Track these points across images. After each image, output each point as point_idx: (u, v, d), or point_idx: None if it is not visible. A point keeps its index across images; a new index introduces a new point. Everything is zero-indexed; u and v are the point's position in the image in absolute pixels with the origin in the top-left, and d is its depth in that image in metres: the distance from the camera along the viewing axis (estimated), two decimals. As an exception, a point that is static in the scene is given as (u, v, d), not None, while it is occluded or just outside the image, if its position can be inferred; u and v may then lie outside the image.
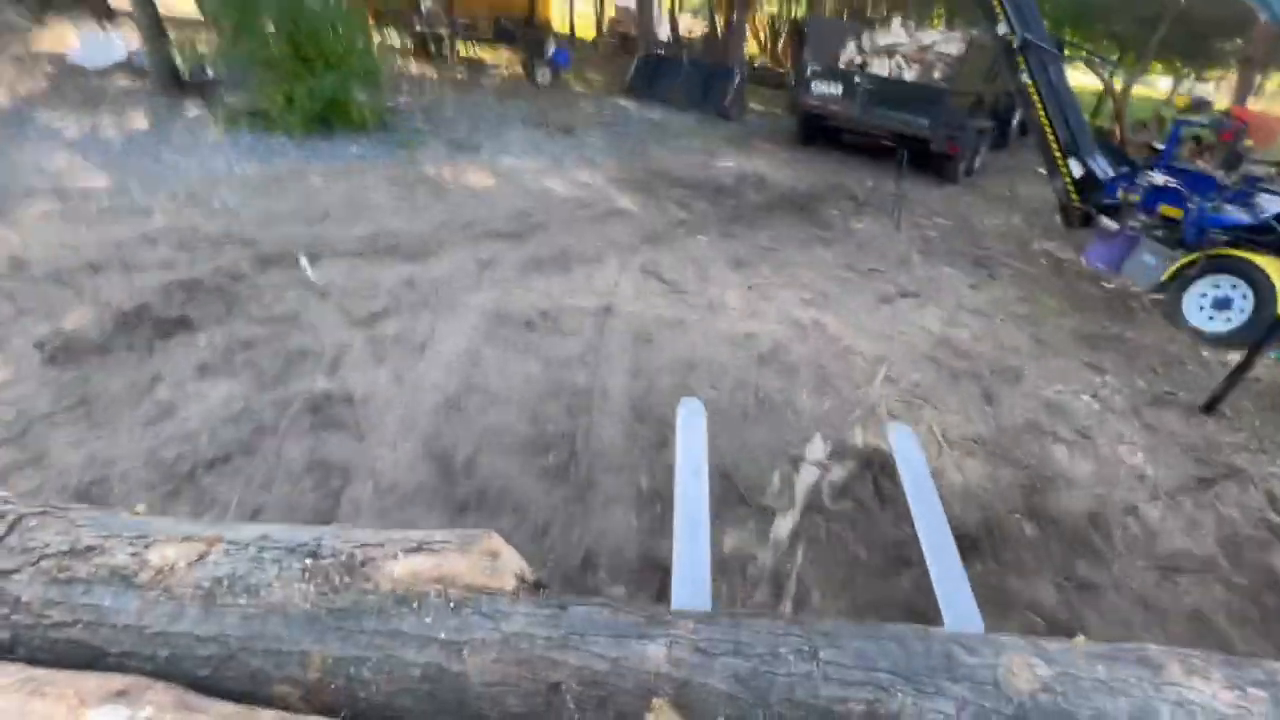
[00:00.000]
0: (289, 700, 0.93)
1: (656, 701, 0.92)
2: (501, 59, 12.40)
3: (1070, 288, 5.33)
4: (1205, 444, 3.24)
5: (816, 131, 8.90)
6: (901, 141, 7.98)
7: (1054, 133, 5.43)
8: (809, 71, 8.12)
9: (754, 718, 0.92)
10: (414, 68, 10.17)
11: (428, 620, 0.96)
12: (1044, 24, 5.71)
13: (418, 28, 10.45)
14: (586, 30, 20.21)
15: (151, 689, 0.85)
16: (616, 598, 1.73)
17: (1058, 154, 5.67)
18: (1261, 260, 4.08)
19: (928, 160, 8.00)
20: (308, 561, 1.00)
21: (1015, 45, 5.54)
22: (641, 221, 5.26)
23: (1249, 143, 5.03)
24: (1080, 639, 1.02)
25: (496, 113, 8.49)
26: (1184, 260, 4.41)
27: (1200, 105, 10.30)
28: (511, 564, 1.05)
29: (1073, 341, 4.12)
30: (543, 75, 10.28)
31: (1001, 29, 5.56)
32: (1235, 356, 4.39)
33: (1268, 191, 4.36)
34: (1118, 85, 11.28)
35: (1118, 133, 9.84)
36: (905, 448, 1.77)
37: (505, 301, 3.55)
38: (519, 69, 11.38)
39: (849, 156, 9.32)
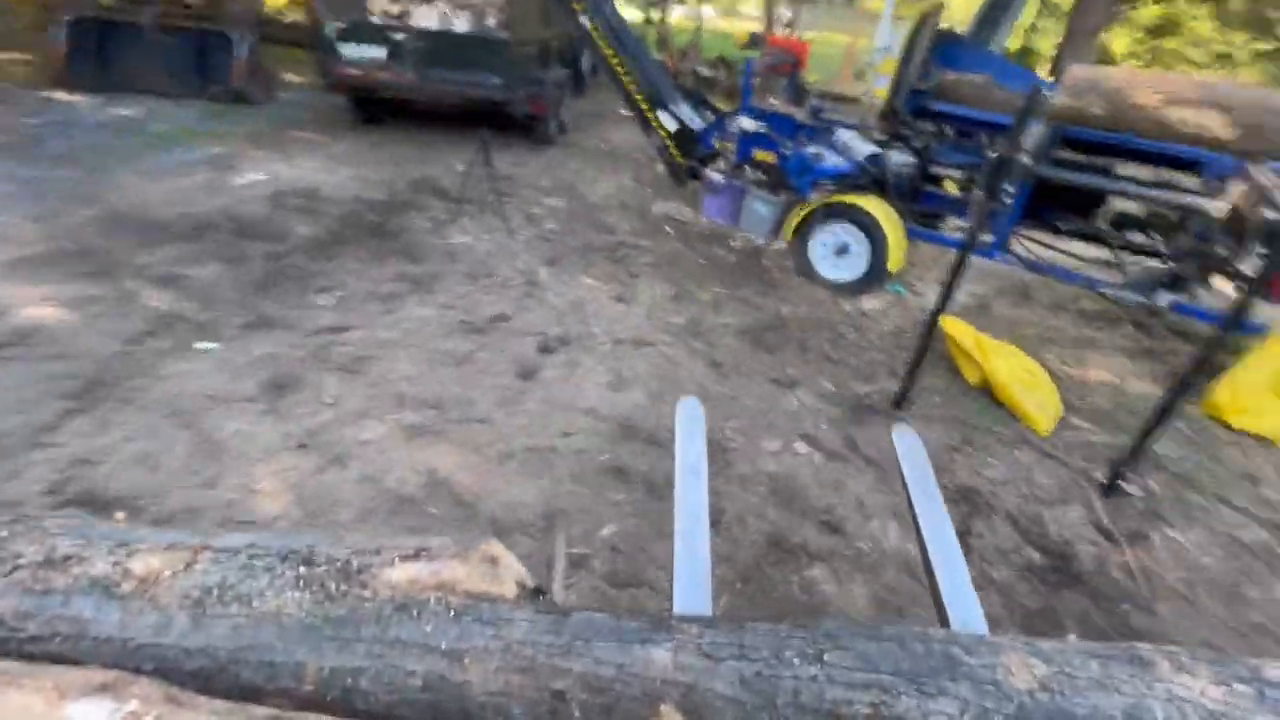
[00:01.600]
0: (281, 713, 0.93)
1: (664, 708, 0.92)
2: None
3: (709, 260, 4.97)
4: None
5: (376, 106, 6.67)
6: (477, 108, 6.23)
7: (635, 84, 4.28)
8: (331, 31, 5.76)
9: None
10: None
11: (428, 628, 0.95)
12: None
13: None
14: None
15: (136, 684, 0.83)
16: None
17: (647, 109, 4.59)
18: (866, 203, 3.56)
19: (511, 124, 6.48)
20: (302, 569, 0.99)
21: (563, -17, 4.22)
22: (63, 352, 2.67)
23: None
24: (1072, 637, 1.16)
25: None
26: (802, 212, 4.32)
27: (758, 41, 10.99)
28: (512, 570, 1.05)
29: (746, 349, 3.72)
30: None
31: (542, -36, 4.17)
32: (873, 303, 4.26)
33: (843, 126, 3.87)
34: (659, 17, 11.43)
35: (670, 65, 9.76)
36: (908, 447, 1.66)
37: None
38: None
39: (428, 130, 7.28)
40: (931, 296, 4.41)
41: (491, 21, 7.15)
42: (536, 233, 5.09)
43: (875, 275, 4.12)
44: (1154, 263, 4.02)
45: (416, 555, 1.01)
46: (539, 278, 4.28)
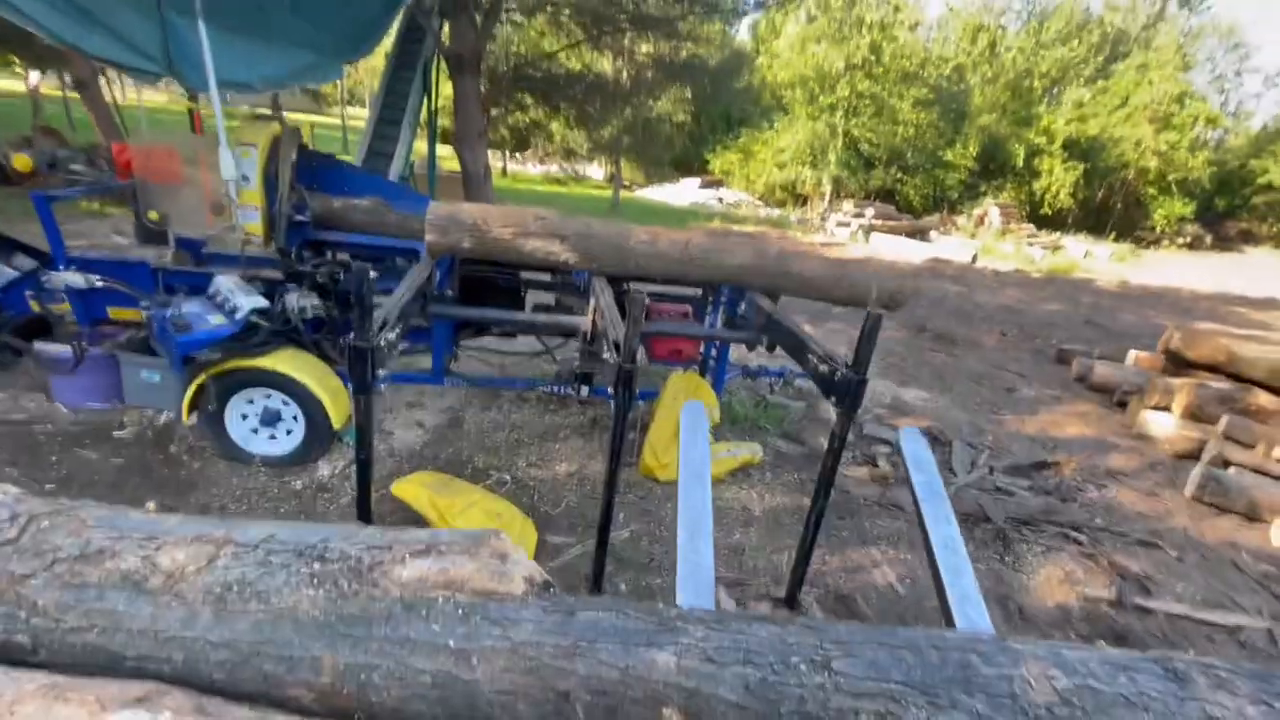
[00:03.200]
0: (302, 703, 0.99)
1: (666, 711, 0.94)
2: None
3: (70, 477, 3.31)
4: None
5: None
6: None
7: None
8: None
9: None
10: None
11: (437, 628, 0.98)
12: None
13: None
14: None
15: (169, 695, 0.90)
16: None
17: None
18: (273, 362, 2.80)
19: None
20: (316, 566, 1.03)
21: None
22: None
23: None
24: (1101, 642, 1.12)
25: None
26: (193, 388, 3.29)
27: (55, 159, 7.90)
28: (520, 566, 1.08)
29: None
30: None
31: None
32: (329, 468, 3.51)
33: (222, 270, 3.01)
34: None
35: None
36: (915, 450, 1.69)
37: None
38: None
39: None
40: (405, 434, 3.95)
41: None
42: None
43: (321, 437, 3.39)
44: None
45: (426, 551, 1.04)
46: None
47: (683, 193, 22.42)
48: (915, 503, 1.60)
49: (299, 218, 3.58)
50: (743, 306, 3.56)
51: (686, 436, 1.70)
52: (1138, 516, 3.92)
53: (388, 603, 0.98)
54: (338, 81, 7.54)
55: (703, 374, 4.12)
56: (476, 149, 7.04)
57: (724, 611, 1.20)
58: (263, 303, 3.15)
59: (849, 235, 16.79)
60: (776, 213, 20.74)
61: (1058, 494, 3.94)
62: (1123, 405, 5.95)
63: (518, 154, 24.62)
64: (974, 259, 14.85)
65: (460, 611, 0.98)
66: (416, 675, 0.95)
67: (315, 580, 1.00)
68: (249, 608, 0.98)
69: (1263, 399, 4.93)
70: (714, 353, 4.19)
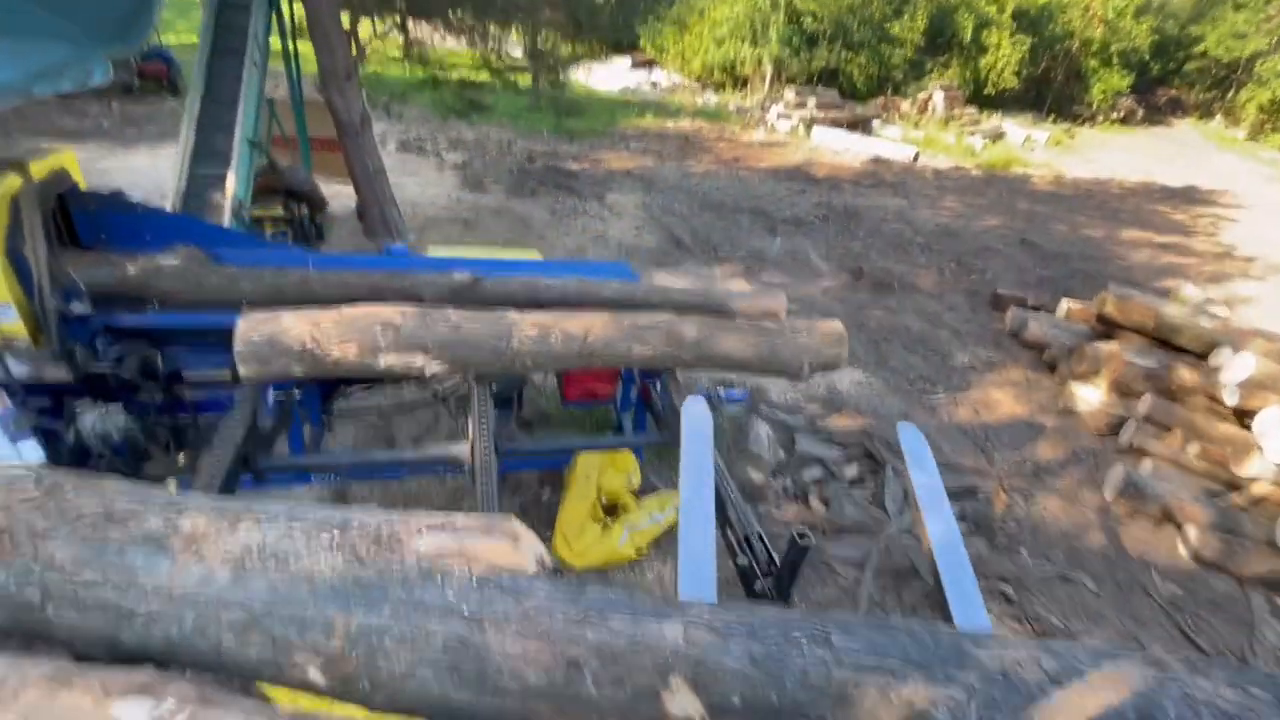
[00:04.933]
0: (307, 672, 0.99)
1: (675, 680, 0.97)
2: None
3: None
4: None
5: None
6: None
7: None
8: None
9: (768, 698, 0.98)
10: None
11: (451, 594, 1.00)
12: None
13: None
14: None
15: (174, 683, 0.90)
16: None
17: None
18: None
19: None
20: (335, 533, 1.05)
21: None
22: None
23: None
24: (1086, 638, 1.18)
25: None
26: None
27: None
28: (533, 549, 1.10)
29: None
30: None
31: None
32: None
33: None
34: None
35: None
36: (914, 446, 1.65)
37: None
38: None
39: None
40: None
41: None
42: None
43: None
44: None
45: (443, 527, 1.07)
46: None
47: (613, 76, 20.26)
48: (916, 504, 1.62)
49: (74, 307, 2.66)
50: (658, 385, 3.07)
51: (688, 434, 1.66)
52: (1060, 537, 3.93)
53: (404, 568, 1.00)
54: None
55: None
56: (347, 91, 5.74)
57: (727, 600, 1.18)
58: (36, 454, 2.39)
59: (789, 130, 15.71)
60: (714, 100, 19.10)
61: (987, 531, 3.88)
62: (1052, 367, 5.90)
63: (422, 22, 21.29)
64: (915, 157, 14.26)
65: (475, 580, 1.01)
66: (428, 639, 0.96)
67: (334, 545, 1.02)
68: (266, 568, 1.00)
69: (1184, 374, 4.92)
70: (633, 396, 3.71)
